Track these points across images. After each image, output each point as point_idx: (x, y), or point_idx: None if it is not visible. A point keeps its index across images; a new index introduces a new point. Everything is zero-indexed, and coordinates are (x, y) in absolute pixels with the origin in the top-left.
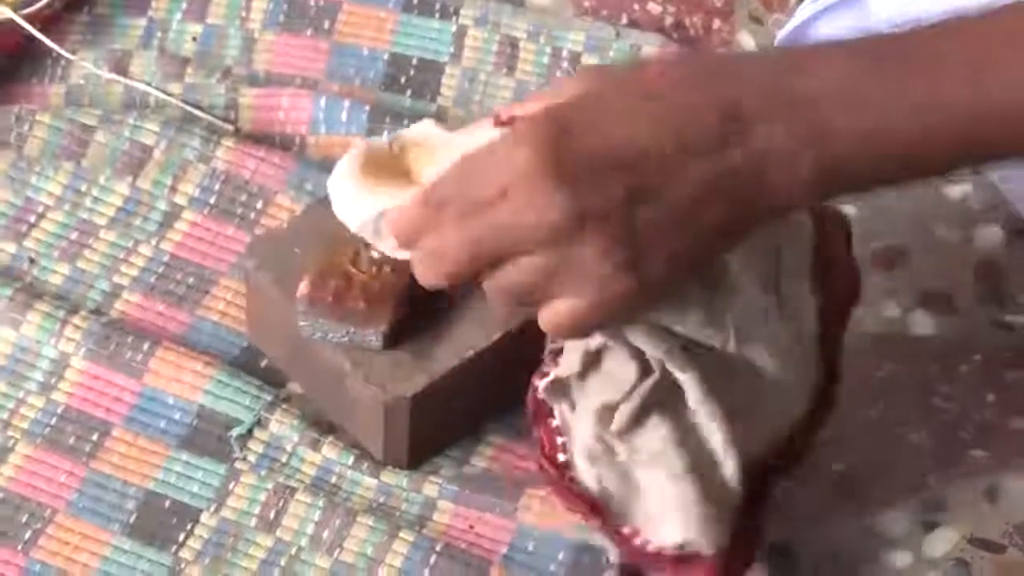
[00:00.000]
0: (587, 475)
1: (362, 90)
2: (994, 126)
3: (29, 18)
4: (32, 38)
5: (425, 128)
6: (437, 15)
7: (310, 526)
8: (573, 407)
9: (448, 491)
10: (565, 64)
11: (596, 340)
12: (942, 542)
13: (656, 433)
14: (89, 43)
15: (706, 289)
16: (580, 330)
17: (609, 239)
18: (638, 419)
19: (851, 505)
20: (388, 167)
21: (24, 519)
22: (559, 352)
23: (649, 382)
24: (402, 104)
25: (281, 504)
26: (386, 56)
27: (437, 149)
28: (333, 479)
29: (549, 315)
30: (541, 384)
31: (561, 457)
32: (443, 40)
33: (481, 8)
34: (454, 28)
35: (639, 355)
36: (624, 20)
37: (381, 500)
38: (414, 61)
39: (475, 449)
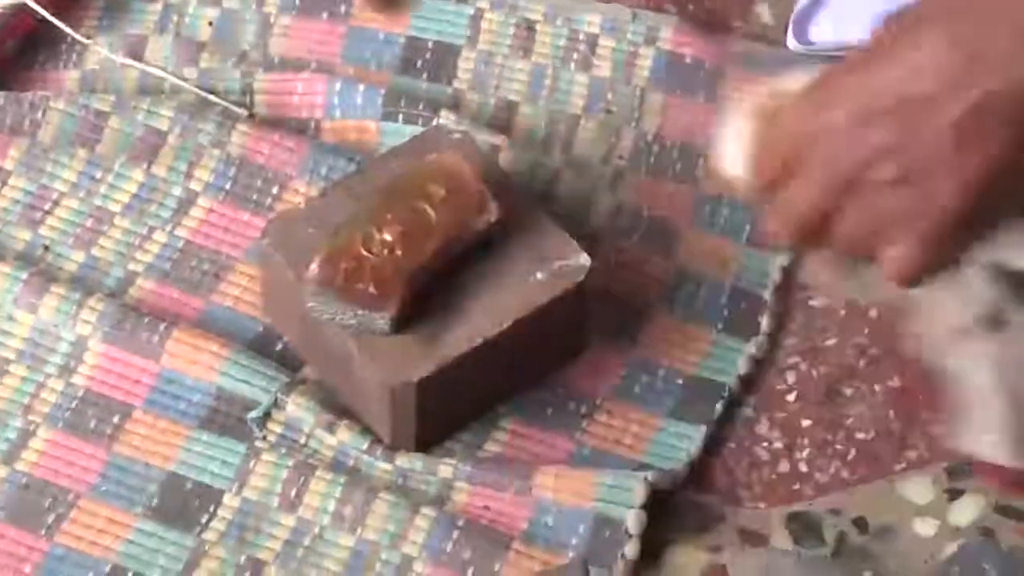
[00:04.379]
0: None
1: (378, 74)
2: None
3: (43, 2)
4: (46, 22)
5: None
6: None
7: (332, 504)
8: None
9: (463, 472)
10: (582, 47)
11: None
12: (968, 510)
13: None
14: (104, 28)
15: None
16: (926, 267)
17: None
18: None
19: (876, 473)
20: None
21: (47, 503)
22: None
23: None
24: (418, 88)
25: (302, 482)
26: (402, 40)
27: None
28: (351, 462)
29: (893, 259)
30: None
31: None
32: (459, 23)
33: None
34: (471, 11)
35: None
36: None
37: (400, 482)
38: (430, 44)
39: (488, 435)
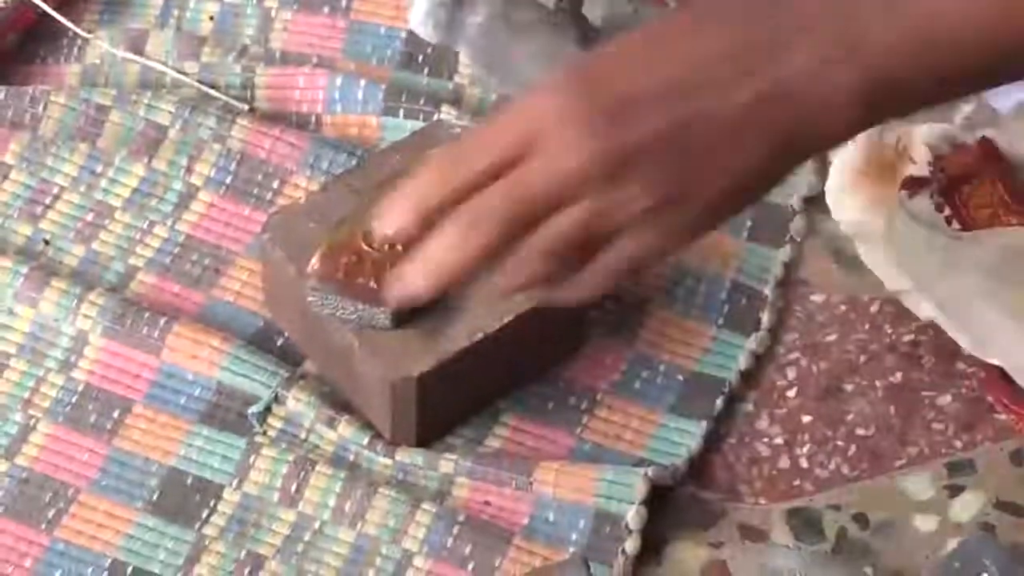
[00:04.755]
0: None
1: (379, 69)
2: None
3: None
4: (47, 16)
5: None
6: None
7: (332, 499)
8: None
9: (463, 467)
10: None
11: None
12: (968, 506)
13: None
14: (105, 22)
15: None
16: (636, 272)
17: (652, 175)
18: None
19: (877, 469)
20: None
21: (47, 498)
22: None
23: None
24: (419, 83)
25: (302, 477)
26: (403, 34)
27: None
28: (351, 457)
29: (606, 263)
30: None
31: None
32: None
33: None
34: None
35: None
36: None
37: (400, 477)
38: None
39: (489, 430)
